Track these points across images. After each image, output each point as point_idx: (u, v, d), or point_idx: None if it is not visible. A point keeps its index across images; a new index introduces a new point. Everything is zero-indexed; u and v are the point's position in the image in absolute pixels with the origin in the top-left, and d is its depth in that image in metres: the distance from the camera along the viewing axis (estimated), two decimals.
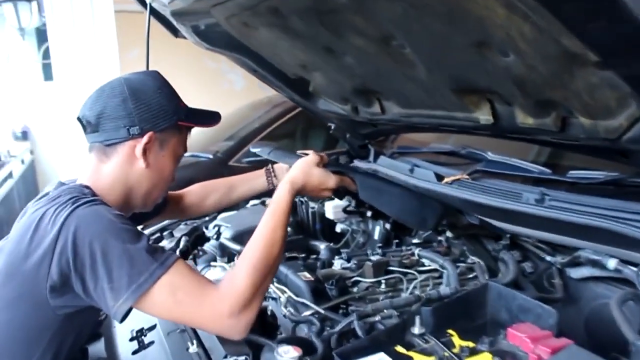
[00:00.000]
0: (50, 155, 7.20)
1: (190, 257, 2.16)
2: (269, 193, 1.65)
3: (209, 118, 1.54)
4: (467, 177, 1.85)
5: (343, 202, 2.30)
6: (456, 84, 1.47)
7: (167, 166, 1.45)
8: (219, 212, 2.22)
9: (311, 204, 2.49)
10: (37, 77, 7.43)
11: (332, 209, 2.30)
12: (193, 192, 1.90)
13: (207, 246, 2.14)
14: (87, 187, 1.33)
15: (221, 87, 7.62)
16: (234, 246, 1.87)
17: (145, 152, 1.38)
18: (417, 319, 1.24)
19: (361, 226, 2.28)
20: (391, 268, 1.60)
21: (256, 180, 1.90)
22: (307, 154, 1.59)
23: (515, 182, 1.69)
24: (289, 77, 2.28)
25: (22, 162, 6.73)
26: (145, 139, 1.37)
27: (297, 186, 1.43)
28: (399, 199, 1.54)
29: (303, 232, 2.50)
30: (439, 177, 1.96)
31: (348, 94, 2.08)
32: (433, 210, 1.57)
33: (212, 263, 1.97)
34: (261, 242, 1.28)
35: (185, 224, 2.40)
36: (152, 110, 1.38)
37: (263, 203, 2.46)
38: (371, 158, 2.54)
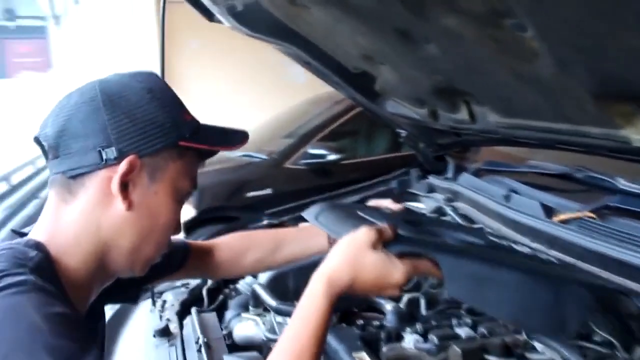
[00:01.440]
0: None
1: (220, 297, 1.73)
2: None
3: (229, 138, 1.04)
4: (592, 215, 1.32)
5: None
6: (604, 87, 0.96)
7: (162, 209, 0.95)
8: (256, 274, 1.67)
9: None
10: None
11: None
12: (227, 245, 1.33)
13: (242, 284, 1.70)
14: (38, 244, 0.89)
15: (282, 81, 7.21)
16: (268, 299, 1.41)
17: (125, 186, 0.91)
18: None
19: None
20: (490, 358, 1.09)
21: (313, 238, 1.32)
22: (379, 212, 1.14)
23: None
24: (350, 72, 1.81)
25: None
26: (124, 166, 0.90)
27: (339, 284, 0.89)
28: (515, 292, 0.93)
29: None
30: (549, 212, 1.44)
31: (426, 94, 1.58)
32: (576, 304, 0.96)
33: (244, 314, 1.53)
34: None
35: None
36: (136, 123, 0.90)
37: None
38: (450, 174, 2.03)
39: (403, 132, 2.06)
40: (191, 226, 3.69)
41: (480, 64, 1.20)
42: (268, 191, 4.16)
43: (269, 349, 1.48)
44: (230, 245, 1.32)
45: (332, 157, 4.18)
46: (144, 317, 1.57)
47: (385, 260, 0.90)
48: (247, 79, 7.38)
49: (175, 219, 0.99)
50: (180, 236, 1.23)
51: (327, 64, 1.80)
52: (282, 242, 1.33)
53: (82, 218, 0.91)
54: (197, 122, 1.00)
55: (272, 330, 1.39)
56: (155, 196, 0.94)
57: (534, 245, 1.45)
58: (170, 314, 1.56)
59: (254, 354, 1.29)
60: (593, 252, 1.24)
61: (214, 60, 7.49)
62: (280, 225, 2.10)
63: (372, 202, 1.36)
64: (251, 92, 7.35)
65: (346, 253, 0.91)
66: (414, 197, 2.16)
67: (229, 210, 4.08)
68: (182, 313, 1.56)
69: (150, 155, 0.92)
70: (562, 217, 1.38)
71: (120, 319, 1.61)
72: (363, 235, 0.91)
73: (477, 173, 1.90)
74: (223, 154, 4.50)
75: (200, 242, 1.31)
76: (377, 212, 1.20)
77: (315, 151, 4.25)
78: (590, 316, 0.99)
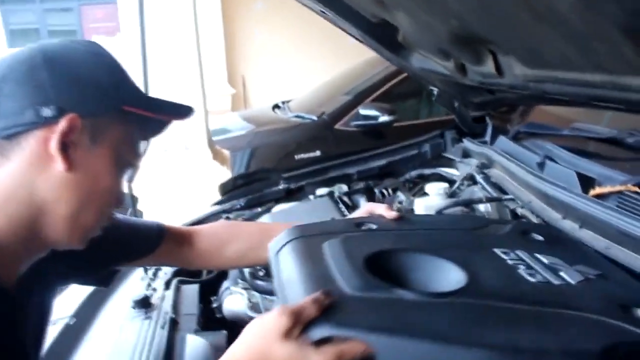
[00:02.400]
0: None
1: None
2: None
3: (174, 109, 0.94)
4: (635, 189, 1.08)
5: (439, 202, 1.61)
6: (639, 20, 0.72)
7: (103, 173, 0.87)
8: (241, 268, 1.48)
9: (398, 199, 1.82)
10: None
11: (424, 209, 1.63)
12: (209, 234, 1.20)
13: None
14: None
15: (348, 43, 6.95)
16: (246, 273, 1.26)
17: (65, 146, 0.81)
18: None
19: None
20: None
21: None
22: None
23: None
24: (370, 22, 1.60)
25: None
26: (64, 125, 0.80)
27: None
28: None
29: None
30: (586, 183, 1.20)
31: (447, 44, 1.36)
32: None
33: (233, 287, 1.40)
34: None
35: (228, 217, 1.84)
36: (78, 83, 0.83)
37: (331, 195, 1.82)
38: (487, 137, 1.79)
39: (435, 90, 1.83)
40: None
41: (494, 2, 0.98)
42: (317, 153, 4.00)
43: None
44: (213, 234, 1.21)
45: (385, 118, 3.95)
46: (133, 285, 1.47)
47: (298, 355, 0.70)
48: (313, 41, 7.18)
49: (116, 187, 0.91)
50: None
51: (344, 12, 1.59)
52: (268, 238, 1.14)
53: (14, 180, 0.82)
54: (145, 94, 0.96)
55: (254, 308, 1.26)
56: (96, 159, 0.86)
57: (566, 222, 1.23)
58: (160, 283, 1.45)
59: (221, 333, 1.15)
60: (630, 235, 1.01)
61: (279, 21, 7.33)
62: (298, 190, 1.95)
63: (367, 207, 1.18)
64: (300, 56, 7.16)
65: (251, 347, 0.73)
66: (448, 162, 1.94)
67: (276, 173, 3.95)
68: (170, 283, 1.45)
69: (92, 116, 0.85)
70: (600, 190, 1.14)
71: (114, 284, 1.52)
72: (273, 322, 0.71)
73: (516, 136, 1.65)
74: (275, 116, 4.40)
75: (178, 227, 1.20)
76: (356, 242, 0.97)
77: (367, 112, 4.03)
78: None
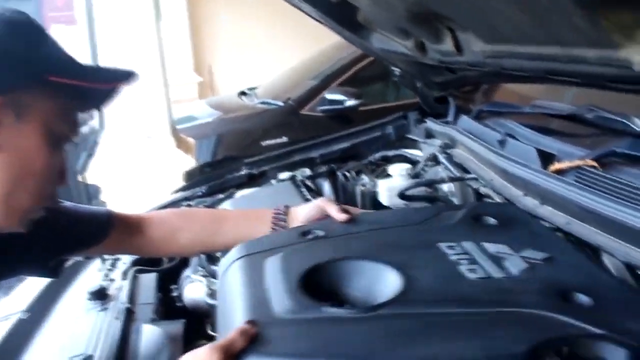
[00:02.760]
0: None
1: None
2: None
3: (113, 75, 0.87)
4: (593, 163, 1.07)
5: (402, 182, 1.60)
6: None
7: (34, 152, 0.82)
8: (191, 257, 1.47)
9: (361, 181, 1.80)
10: None
11: (387, 191, 1.61)
12: (161, 221, 1.16)
13: None
14: None
15: (303, 29, 6.90)
16: (203, 259, 1.23)
17: None
18: None
19: None
20: None
21: (257, 222, 1.16)
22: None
23: None
24: (330, 2, 1.57)
25: None
26: None
27: None
28: None
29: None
30: (545, 159, 1.20)
31: (406, 22, 1.34)
32: None
33: (193, 275, 1.36)
34: None
35: (189, 205, 1.79)
36: None
37: (293, 179, 1.79)
38: (450, 117, 1.78)
39: (397, 71, 1.81)
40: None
41: None
42: (283, 139, 3.96)
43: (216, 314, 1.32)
44: (165, 221, 1.16)
45: (351, 102, 3.93)
46: (89, 277, 1.42)
47: None
48: (282, 27, 7.09)
49: (53, 164, 0.85)
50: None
51: None
52: (221, 225, 1.16)
53: None
54: (74, 60, 0.85)
55: (213, 295, 1.22)
56: (25, 137, 0.81)
57: (527, 200, 1.22)
58: (118, 274, 1.41)
59: (178, 322, 1.12)
60: (589, 210, 1.01)
61: (246, 7, 7.22)
62: (261, 175, 1.92)
63: (318, 203, 1.14)
64: (286, 41, 7.07)
65: None
66: (412, 144, 1.93)
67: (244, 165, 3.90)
68: (133, 275, 1.40)
69: (12, 91, 0.78)
70: (559, 166, 1.13)
71: (68, 277, 1.47)
72: (204, 357, 0.70)
73: (479, 115, 1.64)
74: (241, 102, 4.35)
75: (128, 214, 1.14)
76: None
77: (333, 96, 4.00)
78: None
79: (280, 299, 0.80)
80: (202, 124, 4.28)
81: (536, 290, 0.83)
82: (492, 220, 1.09)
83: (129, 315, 1.14)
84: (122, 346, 1.04)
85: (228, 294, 0.89)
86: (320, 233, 1.03)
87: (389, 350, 0.70)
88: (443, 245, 0.96)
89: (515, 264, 0.90)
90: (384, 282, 0.87)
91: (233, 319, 0.79)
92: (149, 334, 1.09)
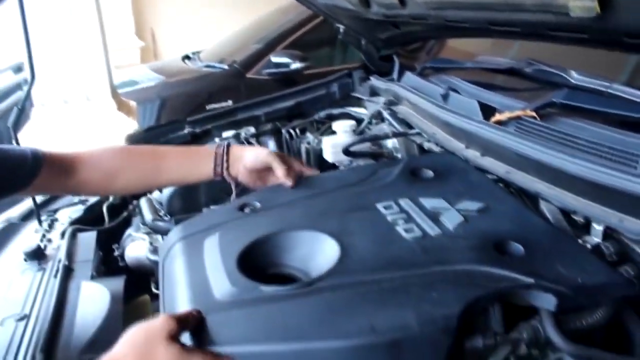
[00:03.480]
0: None
1: (126, 213, 1.53)
2: None
3: None
4: (532, 114, 1.09)
5: (346, 139, 1.59)
6: None
7: None
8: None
9: (306, 139, 1.79)
10: None
11: (331, 147, 1.61)
12: (99, 161, 1.10)
13: (144, 202, 1.49)
14: None
15: None
16: (146, 214, 1.19)
17: None
18: None
19: None
20: None
21: (198, 165, 1.12)
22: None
23: (622, 131, 0.93)
24: None
25: None
26: None
27: None
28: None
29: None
30: (487, 112, 1.22)
31: None
32: (427, 349, 0.69)
33: (134, 233, 1.33)
34: None
35: None
36: None
37: (237, 137, 1.76)
38: (394, 74, 1.78)
39: (341, 28, 1.79)
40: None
41: None
42: (229, 103, 3.90)
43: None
44: (102, 161, 1.10)
45: (296, 65, 3.89)
46: (26, 238, 1.37)
47: (180, 357, 0.69)
48: None
49: None
50: None
51: None
52: (162, 164, 1.12)
53: None
54: None
55: (155, 252, 1.20)
56: None
57: (469, 152, 1.24)
58: (56, 234, 1.36)
59: (118, 279, 1.09)
60: (528, 158, 1.03)
61: None
62: (204, 134, 1.88)
63: (265, 155, 1.12)
64: (230, 4, 6.89)
65: (135, 346, 0.70)
66: (357, 102, 1.92)
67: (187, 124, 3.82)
68: (71, 233, 1.35)
69: None
70: (499, 117, 1.15)
71: (3, 239, 1.41)
72: (160, 324, 0.70)
73: (422, 72, 1.65)
74: (185, 66, 4.23)
75: (60, 153, 1.08)
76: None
77: (279, 59, 3.95)
78: None
79: (220, 282, 0.80)
80: (145, 87, 4.17)
81: (470, 245, 0.85)
82: (429, 173, 1.11)
83: (67, 273, 1.11)
84: (60, 304, 1.01)
85: (170, 281, 0.88)
86: (257, 205, 1.02)
87: (328, 326, 0.71)
88: (380, 206, 0.97)
89: (451, 218, 0.92)
90: (322, 251, 0.88)
91: (177, 307, 0.79)
92: (88, 291, 1.06)
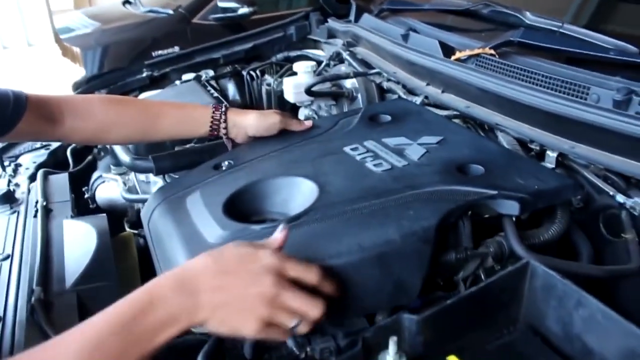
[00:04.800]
0: None
1: (90, 157, 1.53)
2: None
3: None
4: (491, 52, 1.16)
5: (308, 80, 1.63)
6: None
7: None
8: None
9: (266, 81, 1.81)
10: None
11: (293, 88, 1.64)
12: (88, 111, 1.04)
13: None
14: None
15: None
16: (122, 155, 1.21)
17: None
18: (392, 343, 0.64)
19: (333, 112, 1.63)
20: None
21: (195, 123, 1.09)
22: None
23: (574, 66, 1.01)
24: None
25: None
26: None
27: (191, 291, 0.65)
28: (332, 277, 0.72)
29: None
30: (447, 51, 1.28)
31: None
32: (409, 263, 0.76)
33: (105, 174, 1.34)
34: None
35: None
36: None
37: (198, 79, 1.77)
38: (352, 16, 1.81)
39: None
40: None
41: None
42: (175, 49, 3.81)
43: (133, 211, 1.32)
44: (95, 111, 1.05)
45: (244, 10, 3.80)
46: None
47: (249, 250, 0.69)
48: None
49: None
50: None
51: None
52: (156, 122, 1.08)
53: None
54: None
55: (131, 190, 1.22)
56: None
57: (430, 89, 1.31)
58: (22, 178, 1.35)
59: (100, 217, 1.12)
60: (488, 92, 1.11)
61: None
62: (163, 77, 1.87)
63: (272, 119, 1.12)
64: None
65: (240, 248, 0.69)
66: (314, 44, 1.95)
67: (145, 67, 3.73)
68: (35, 177, 1.35)
69: None
70: (460, 55, 1.22)
71: None
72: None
73: (380, 14, 1.69)
74: (125, 11, 4.04)
75: (45, 96, 1.01)
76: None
77: (226, 4, 3.86)
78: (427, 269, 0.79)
79: (210, 229, 0.83)
80: (83, 34, 4.00)
81: (436, 170, 0.92)
82: (386, 118, 1.17)
83: (47, 213, 1.12)
84: (46, 242, 1.03)
85: (160, 239, 0.90)
86: (230, 162, 1.04)
87: (319, 250, 0.76)
88: (347, 149, 1.02)
89: (414, 151, 0.99)
90: (301, 192, 0.92)
91: (174, 259, 0.82)
92: (72, 229, 1.07)
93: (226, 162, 1.04)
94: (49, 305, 0.86)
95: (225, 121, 1.09)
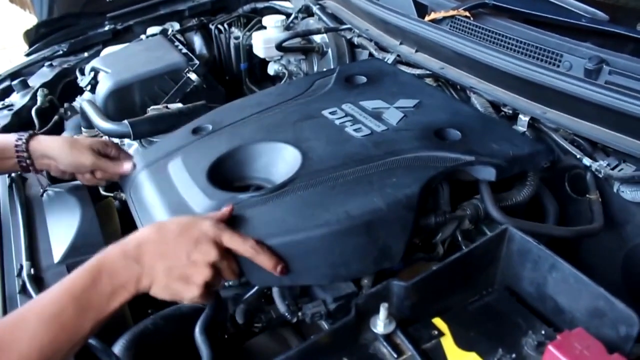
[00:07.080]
0: None
1: (55, 118, 1.50)
2: None
3: None
4: (466, 14, 1.18)
5: (278, 34, 1.61)
6: None
7: None
8: None
9: (234, 34, 1.79)
10: None
11: (263, 43, 1.62)
12: None
13: (80, 101, 1.46)
14: None
15: None
16: (95, 119, 1.19)
17: None
18: (383, 308, 0.68)
19: (303, 67, 1.63)
20: None
21: (2, 156, 0.98)
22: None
23: (548, 32, 1.04)
24: None
25: None
26: None
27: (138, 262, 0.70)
28: (325, 251, 0.77)
29: (224, 72, 1.84)
30: (420, 11, 1.28)
31: None
32: (393, 228, 0.80)
33: (76, 136, 1.32)
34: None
35: (52, 65, 1.68)
36: None
37: (165, 33, 1.73)
38: None
39: None
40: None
41: None
42: None
43: None
44: None
45: None
46: None
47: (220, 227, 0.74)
48: None
49: None
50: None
51: None
52: None
53: None
54: None
55: None
56: None
57: (403, 48, 1.32)
58: None
59: (76, 184, 1.10)
60: (463, 55, 1.13)
61: None
62: (127, 30, 1.82)
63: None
64: None
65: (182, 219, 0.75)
66: None
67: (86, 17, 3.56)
68: None
69: None
70: (434, 15, 1.23)
71: None
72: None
73: None
74: None
75: None
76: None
77: None
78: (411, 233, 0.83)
79: (195, 198, 0.85)
80: None
81: (414, 135, 0.95)
82: (362, 79, 1.18)
83: (23, 182, 1.10)
84: (28, 214, 1.01)
85: (144, 207, 0.90)
86: (209, 127, 1.04)
87: (308, 219, 0.79)
88: (326, 113, 1.04)
89: (392, 116, 1.01)
90: (283, 159, 0.94)
91: None
92: (52, 199, 1.06)
93: (205, 127, 1.05)
94: (39, 281, 0.86)
95: (26, 150, 0.98)
